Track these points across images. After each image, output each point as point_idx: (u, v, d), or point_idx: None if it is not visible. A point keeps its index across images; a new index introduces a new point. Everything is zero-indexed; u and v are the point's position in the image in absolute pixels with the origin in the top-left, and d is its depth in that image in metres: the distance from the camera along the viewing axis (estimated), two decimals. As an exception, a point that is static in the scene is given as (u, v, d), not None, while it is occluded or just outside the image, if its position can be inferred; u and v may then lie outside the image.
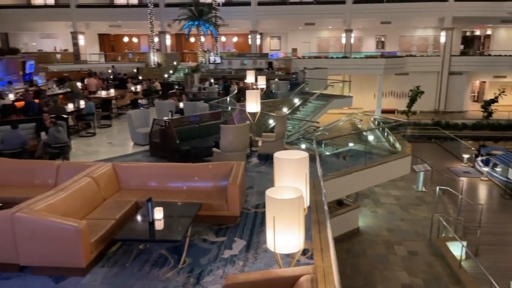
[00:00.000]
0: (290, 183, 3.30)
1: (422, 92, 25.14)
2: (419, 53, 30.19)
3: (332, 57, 28.23)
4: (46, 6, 30.52)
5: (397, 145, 12.27)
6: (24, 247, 4.26)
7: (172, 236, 4.42)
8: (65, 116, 10.00)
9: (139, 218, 4.78)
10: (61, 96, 14.68)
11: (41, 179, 6.08)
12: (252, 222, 5.59)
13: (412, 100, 25.44)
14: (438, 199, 13.55)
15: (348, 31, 28.66)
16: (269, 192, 3.03)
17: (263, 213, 5.75)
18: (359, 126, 18.30)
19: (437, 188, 13.57)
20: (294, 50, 30.61)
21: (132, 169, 6.28)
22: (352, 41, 29.18)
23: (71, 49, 30.19)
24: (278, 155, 3.37)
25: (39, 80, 17.70)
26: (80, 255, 4.20)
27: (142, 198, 5.50)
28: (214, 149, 7.88)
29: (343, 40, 29.36)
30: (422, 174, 15.09)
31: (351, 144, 12.44)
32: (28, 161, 6.97)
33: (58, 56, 30.13)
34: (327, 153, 11.40)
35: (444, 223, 11.46)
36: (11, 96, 12.46)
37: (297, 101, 19.04)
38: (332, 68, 24.41)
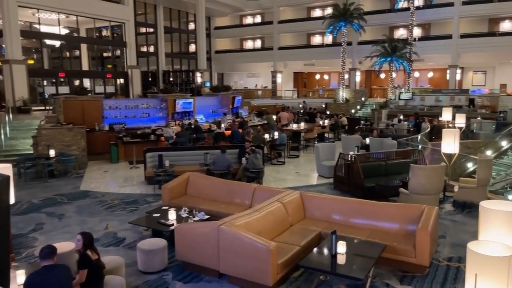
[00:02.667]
0: (499, 238, 2.86)
1: None
2: None
3: (557, 94, 23.30)
4: (254, 49, 35.78)
5: None
6: (224, 257, 4.90)
7: (354, 272, 4.35)
8: (262, 145, 11.21)
9: (322, 249, 4.87)
10: (259, 127, 16.55)
11: (240, 199, 6.95)
12: (443, 276, 5.01)
13: None
14: None
15: None
16: (471, 246, 2.70)
17: (457, 268, 5.11)
18: None
19: None
20: (503, 85, 26.51)
21: (317, 200, 6.51)
22: None
23: (269, 86, 34.10)
24: (485, 204, 2.99)
25: (243, 112, 20.47)
26: (268, 274, 4.56)
27: (325, 229, 5.64)
28: (401, 189, 7.48)
29: None
30: None
31: None
32: (232, 181, 8.07)
33: (259, 92, 34.45)
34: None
35: None
36: (223, 126, 14.80)
37: (505, 143, 16.37)
38: (557, 107, 20.13)
